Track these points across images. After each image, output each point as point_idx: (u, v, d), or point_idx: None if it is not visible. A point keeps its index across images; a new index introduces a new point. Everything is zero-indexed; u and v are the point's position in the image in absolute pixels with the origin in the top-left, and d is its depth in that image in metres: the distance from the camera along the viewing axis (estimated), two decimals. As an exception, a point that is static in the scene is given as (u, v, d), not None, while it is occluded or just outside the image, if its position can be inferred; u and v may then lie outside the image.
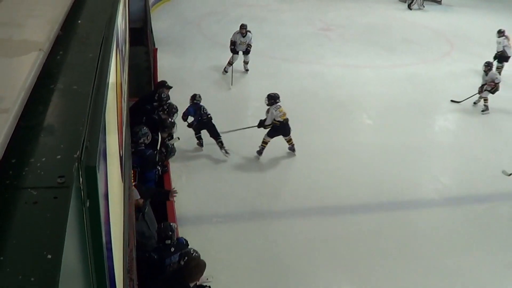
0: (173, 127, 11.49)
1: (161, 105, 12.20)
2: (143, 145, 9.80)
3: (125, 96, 5.10)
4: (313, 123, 15.52)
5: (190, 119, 13.45)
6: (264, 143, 13.35)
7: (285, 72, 19.44)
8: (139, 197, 8.11)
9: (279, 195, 12.16)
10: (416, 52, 22.80)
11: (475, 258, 10.50)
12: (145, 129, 9.87)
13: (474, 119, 16.92)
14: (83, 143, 1.72)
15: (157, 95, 12.46)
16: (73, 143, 1.72)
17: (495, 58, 19.83)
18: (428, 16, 29.46)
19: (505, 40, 19.98)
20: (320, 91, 17.87)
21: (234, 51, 18.76)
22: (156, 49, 17.76)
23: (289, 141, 13.59)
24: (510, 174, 12.51)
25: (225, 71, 18.97)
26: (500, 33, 20.15)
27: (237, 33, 18.74)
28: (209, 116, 13.31)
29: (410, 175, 13.21)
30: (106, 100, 2.20)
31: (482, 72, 17.74)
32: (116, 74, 3.27)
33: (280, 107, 13.34)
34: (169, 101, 12.41)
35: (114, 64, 3.13)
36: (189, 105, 13.41)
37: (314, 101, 17.03)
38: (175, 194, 9.35)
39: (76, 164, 1.61)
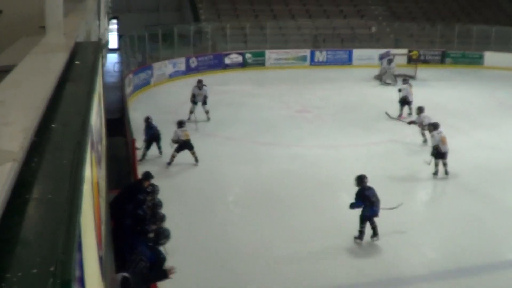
0: (164, 220, 11.60)
1: (153, 197, 12.44)
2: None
3: (103, 192, 5.08)
4: (296, 204, 15.53)
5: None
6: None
7: (265, 156, 19.56)
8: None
9: (264, 280, 11.98)
10: (392, 127, 23.04)
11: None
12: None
13: (454, 190, 17.10)
14: (57, 256, 1.72)
15: (150, 187, 12.77)
16: (48, 257, 1.71)
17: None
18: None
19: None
20: (301, 172, 17.95)
21: (194, 102, 23.48)
22: (134, 139, 17.81)
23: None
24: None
25: (189, 119, 22.42)
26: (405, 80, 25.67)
27: (195, 87, 23.61)
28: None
29: (396, 251, 13.18)
30: (81, 207, 2.20)
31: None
32: (92, 174, 3.28)
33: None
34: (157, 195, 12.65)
35: (89, 165, 3.14)
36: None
37: (296, 183, 17.07)
38: (173, 271, 9.36)
39: (51, 279, 1.61)
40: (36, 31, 6.28)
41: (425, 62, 38.52)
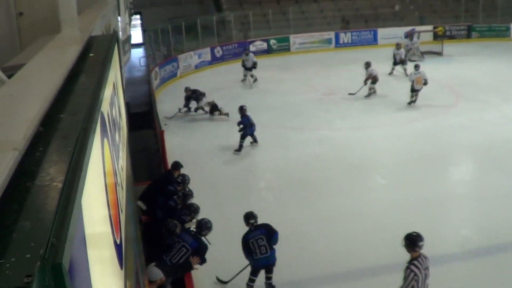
0: (199, 211, 11.65)
1: (183, 187, 12.45)
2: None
3: (124, 182, 5.10)
4: (327, 187, 15.49)
5: None
6: None
7: (294, 141, 19.53)
8: (162, 275, 8.23)
9: (297, 264, 11.97)
10: (422, 105, 22.82)
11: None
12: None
13: (486, 165, 16.89)
14: (48, 240, 1.72)
15: (180, 177, 12.73)
16: (41, 241, 1.71)
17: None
18: (430, 68, 29.50)
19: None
20: (330, 155, 17.89)
21: (243, 66, 28.58)
22: (163, 131, 17.88)
23: None
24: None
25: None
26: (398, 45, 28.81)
27: (244, 54, 29.02)
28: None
29: (429, 230, 13.00)
30: (81, 191, 2.19)
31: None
32: (104, 162, 3.28)
33: None
34: (187, 185, 12.67)
35: (100, 153, 3.14)
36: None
37: (325, 166, 17.00)
38: (197, 262, 9.45)
39: (39, 262, 1.61)
40: (55, 29, 6.33)
41: (451, 37, 37.92)
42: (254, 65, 28.28)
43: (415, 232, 8.82)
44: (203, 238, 10.23)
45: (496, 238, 12.57)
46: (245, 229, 10.65)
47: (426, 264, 8.51)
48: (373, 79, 24.49)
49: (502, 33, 38.62)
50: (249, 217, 10.75)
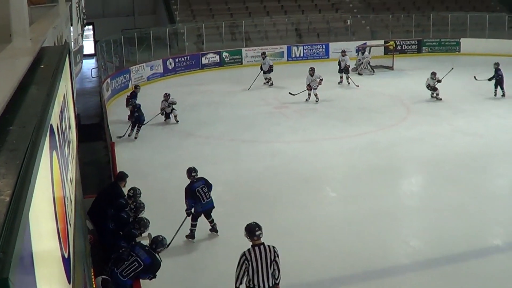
0: (148, 225, 11.51)
1: (134, 200, 12.34)
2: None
3: (74, 195, 5.06)
4: (279, 200, 15.52)
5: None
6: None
7: (245, 154, 19.58)
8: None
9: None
10: (373, 119, 23.16)
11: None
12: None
13: (436, 178, 17.21)
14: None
15: (132, 191, 12.64)
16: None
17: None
18: (382, 83, 30.05)
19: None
20: (282, 168, 17.94)
21: (261, 69, 30.15)
22: (113, 143, 17.76)
23: None
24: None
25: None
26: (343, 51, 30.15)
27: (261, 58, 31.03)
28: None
29: (380, 242, 13.19)
30: (29, 205, 2.18)
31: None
32: (53, 174, 3.25)
33: None
34: (139, 198, 12.56)
35: (48, 165, 3.11)
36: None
37: (277, 179, 17.05)
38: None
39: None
40: (6, 40, 6.25)
41: (402, 52, 38.68)
42: (271, 68, 30.01)
43: (254, 222, 9.42)
44: (157, 255, 10.19)
45: (445, 249, 12.74)
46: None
47: (270, 256, 9.06)
48: (318, 83, 25.92)
49: (452, 48, 39.61)
50: (191, 170, 13.21)
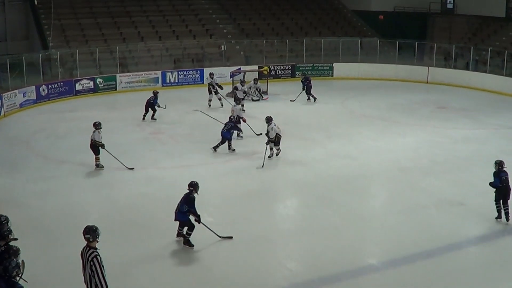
0: (19, 253, 11.24)
1: (1, 228, 11.98)
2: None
3: None
4: (155, 227, 15.62)
5: None
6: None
7: (120, 181, 19.54)
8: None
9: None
10: (247, 144, 23.67)
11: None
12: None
13: (312, 200, 17.91)
14: None
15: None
16: None
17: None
18: (255, 107, 30.41)
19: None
20: (158, 195, 18.02)
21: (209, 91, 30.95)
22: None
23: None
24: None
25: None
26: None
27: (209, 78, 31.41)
28: None
29: (257, 265, 13.50)
30: None
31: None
32: None
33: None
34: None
35: None
36: None
37: (153, 206, 17.13)
38: None
39: None
40: None
41: (276, 77, 39.95)
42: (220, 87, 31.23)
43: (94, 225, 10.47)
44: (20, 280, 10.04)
45: (321, 270, 13.25)
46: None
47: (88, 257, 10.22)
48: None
49: (325, 72, 41.37)
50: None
